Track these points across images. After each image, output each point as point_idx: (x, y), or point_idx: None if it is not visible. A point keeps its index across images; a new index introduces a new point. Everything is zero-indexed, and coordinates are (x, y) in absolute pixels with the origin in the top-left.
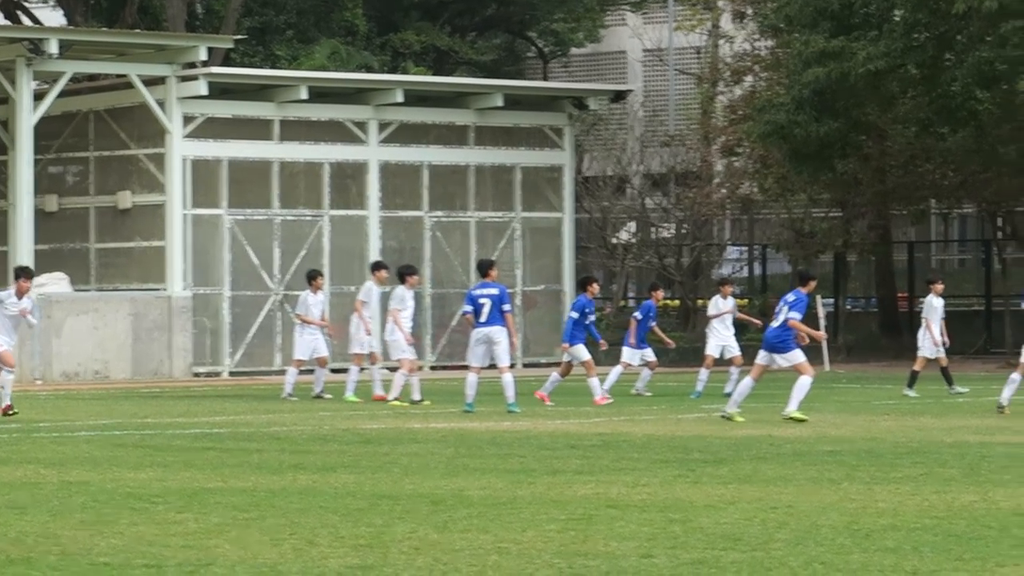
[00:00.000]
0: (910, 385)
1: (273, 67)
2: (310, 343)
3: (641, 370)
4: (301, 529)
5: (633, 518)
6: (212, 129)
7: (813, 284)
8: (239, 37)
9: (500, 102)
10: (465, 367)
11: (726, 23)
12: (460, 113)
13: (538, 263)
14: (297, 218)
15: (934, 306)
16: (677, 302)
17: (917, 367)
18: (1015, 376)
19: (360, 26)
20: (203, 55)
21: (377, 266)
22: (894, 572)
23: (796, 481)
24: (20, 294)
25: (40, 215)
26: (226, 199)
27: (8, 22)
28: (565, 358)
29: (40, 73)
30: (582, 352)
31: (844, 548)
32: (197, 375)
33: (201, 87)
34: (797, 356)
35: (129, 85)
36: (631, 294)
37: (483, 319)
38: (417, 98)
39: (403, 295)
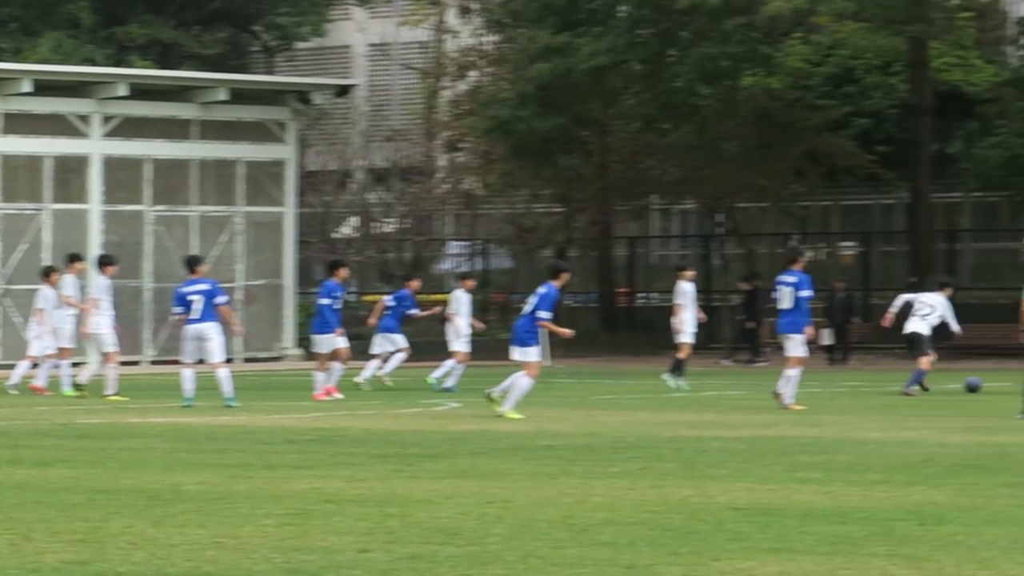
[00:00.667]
0: (676, 375)
1: None
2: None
3: (393, 355)
4: (17, 524)
5: (350, 513)
6: None
7: (566, 276)
8: None
9: (224, 96)
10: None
11: (452, 18)
12: (184, 107)
13: (260, 258)
14: (18, 212)
15: (685, 291)
16: None
17: (682, 355)
18: (791, 371)
19: (85, 19)
20: None
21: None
22: (610, 566)
23: (513, 476)
24: None
25: None
26: None
27: None
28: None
29: None
30: (325, 345)
31: (561, 542)
32: None
33: None
34: (532, 354)
35: None
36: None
37: (195, 316)
38: (141, 92)
39: (105, 284)
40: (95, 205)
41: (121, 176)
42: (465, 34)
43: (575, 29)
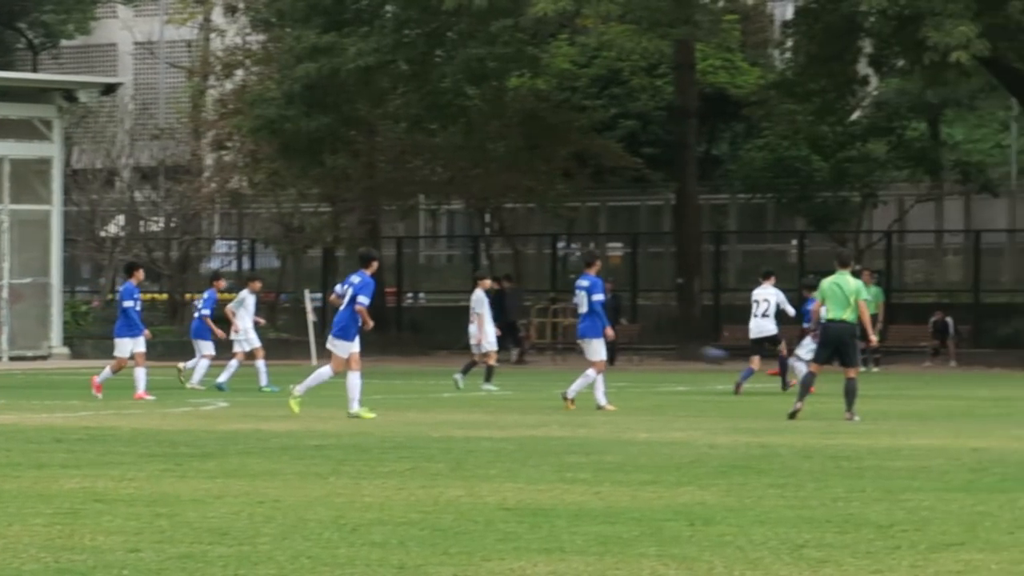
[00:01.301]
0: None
1: None
2: None
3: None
4: None
5: (120, 512)
6: None
7: (375, 264)
8: None
9: None
10: None
11: (218, 17)
12: None
13: (26, 256)
14: None
15: (483, 300)
16: (165, 296)
17: (491, 361)
18: (591, 372)
19: None
20: None
21: None
22: (381, 566)
23: (283, 475)
24: None
25: None
26: None
27: None
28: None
29: None
30: (126, 348)
31: (331, 542)
32: None
33: None
34: (353, 347)
35: None
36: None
37: None
38: None
39: None
40: None
41: None
42: (231, 33)
43: (342, 29)
